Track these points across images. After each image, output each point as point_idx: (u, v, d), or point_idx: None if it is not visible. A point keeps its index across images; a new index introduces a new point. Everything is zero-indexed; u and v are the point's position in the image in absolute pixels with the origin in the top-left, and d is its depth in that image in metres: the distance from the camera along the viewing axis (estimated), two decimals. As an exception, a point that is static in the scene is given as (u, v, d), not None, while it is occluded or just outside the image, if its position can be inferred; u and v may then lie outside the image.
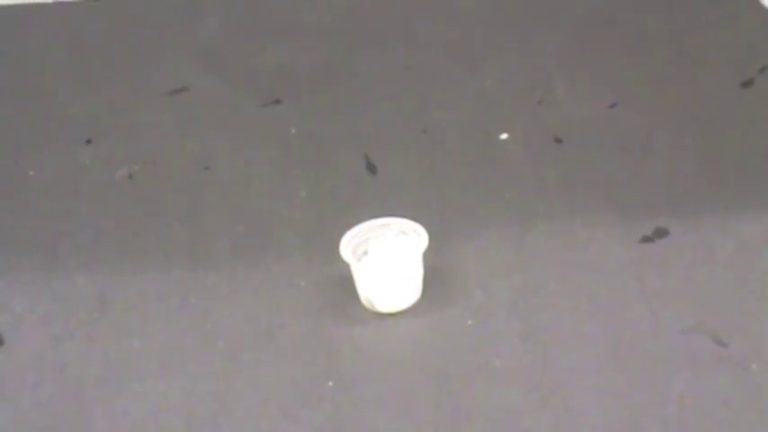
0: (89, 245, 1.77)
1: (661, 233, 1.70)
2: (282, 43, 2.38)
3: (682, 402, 1.41)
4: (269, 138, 2.06)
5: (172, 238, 1.78)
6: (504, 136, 1.99)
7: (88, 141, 2.06)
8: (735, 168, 1.87)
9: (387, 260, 1.62)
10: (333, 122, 2.07)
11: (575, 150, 1.93)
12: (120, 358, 1.53)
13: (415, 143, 1.98)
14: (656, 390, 1.43)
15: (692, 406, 1.41)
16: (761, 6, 2.41)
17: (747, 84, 2.13)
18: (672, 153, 1.94)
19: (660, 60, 2.22)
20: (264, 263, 1.71)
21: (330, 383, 1.47)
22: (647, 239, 1.69)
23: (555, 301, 1.60)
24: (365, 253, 1.64)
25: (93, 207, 1.87)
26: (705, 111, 2.06)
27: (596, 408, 1.41)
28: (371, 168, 1.94)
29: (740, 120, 2.03)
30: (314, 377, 1.48)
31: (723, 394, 1.42)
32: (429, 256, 1.64)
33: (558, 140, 1.94)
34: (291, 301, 1.63)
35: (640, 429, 1.39)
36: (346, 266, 1.61)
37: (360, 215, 1.69)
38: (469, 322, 1.57)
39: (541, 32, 2.36)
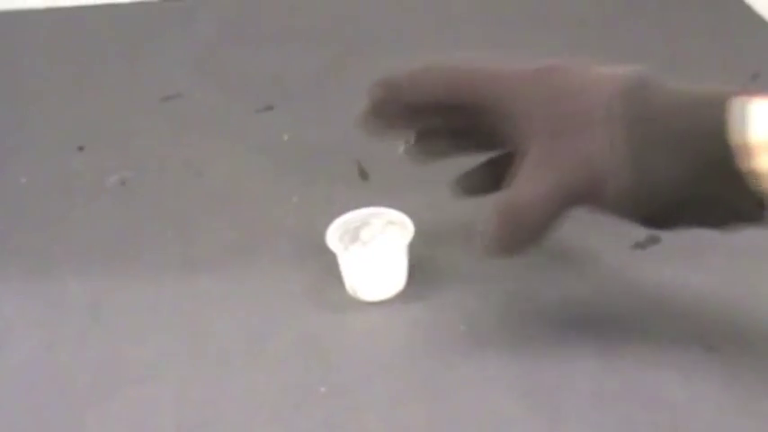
0: (82, 251, 1.76)
1: (653, 240, 1.70)
2: (275, 50, 2.38)
3: (674, 408, 1.42)
4: (261, 144, 2.06)
5: (164, 244, 1.78)
6: (497, 142, 1.98)
7: (81, 148, 2.06)
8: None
9: (373, 249, 1.62)
10: (325, 129, 2.07)
11: (567, 157, 1.93)
12: (113, 364, 1.53)
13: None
14: (649, 396, 1.44)
15: (684, 412, 1.41)
16: (753, 13, 2.42)
17: (739, 91, 2.13)
18: (664, 160, 1.94)
19: (653, 67, 2.22)
20: (257, 269, 1.71)
21: (323, 389, 1.46)
22: (639, 246, 1.70)
23: (547, 307, 1.60)
24: (353, 241, 1.64)
25: (86, 213, 1.87)
26: (697, 117, 2.05)
27: (589, 414, 1.41)
28: (364, 175, 1.94)
29: (732, 126, 2.03)
30: (306, 383, 1.48)
31: (715, 400, 1.42)
32: (423, 262, 1.64)
33: (551, 147, 1.94)
34: (284, 307, 1.62)
35: (633, 435, 1.39)
36: (338, 270, 1.61)
37: (352, 221, 1.68)
38: (462, 328, 1.56)
39: (535, 39, 2.36)
